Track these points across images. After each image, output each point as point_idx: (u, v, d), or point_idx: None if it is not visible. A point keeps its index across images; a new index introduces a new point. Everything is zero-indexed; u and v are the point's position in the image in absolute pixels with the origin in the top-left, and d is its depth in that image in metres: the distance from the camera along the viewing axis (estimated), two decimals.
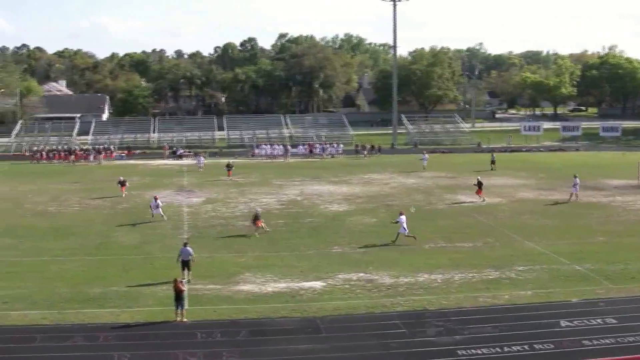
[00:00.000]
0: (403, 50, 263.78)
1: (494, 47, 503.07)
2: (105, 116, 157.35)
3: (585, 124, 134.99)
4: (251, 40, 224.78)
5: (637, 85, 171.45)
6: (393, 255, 40.56)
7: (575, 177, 59.33)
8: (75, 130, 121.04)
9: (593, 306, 30.90)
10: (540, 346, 26.26)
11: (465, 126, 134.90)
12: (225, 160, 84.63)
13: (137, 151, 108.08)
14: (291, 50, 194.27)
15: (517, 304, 31.52)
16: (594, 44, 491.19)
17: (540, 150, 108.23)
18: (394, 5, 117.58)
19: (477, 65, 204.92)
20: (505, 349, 26.06)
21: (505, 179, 72.56)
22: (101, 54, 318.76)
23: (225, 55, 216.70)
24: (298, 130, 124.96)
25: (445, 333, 27.76)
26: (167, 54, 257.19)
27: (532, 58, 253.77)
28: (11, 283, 34.99)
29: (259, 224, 46.35)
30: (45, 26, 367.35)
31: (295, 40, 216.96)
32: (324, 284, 34.86)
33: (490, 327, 28.22)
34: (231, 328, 28.56)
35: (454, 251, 41.63)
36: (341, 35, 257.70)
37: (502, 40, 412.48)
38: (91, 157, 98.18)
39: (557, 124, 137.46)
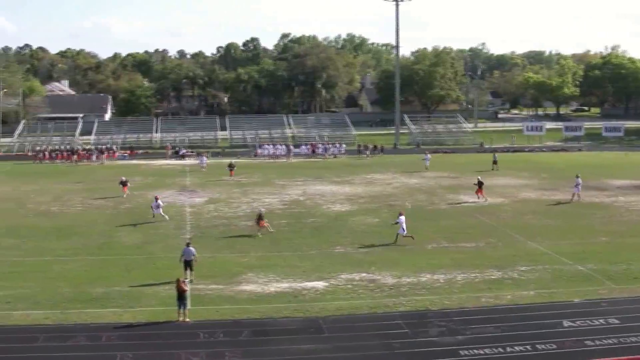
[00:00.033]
0: (406, 51, 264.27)
1: (497, 47, 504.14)
2: (107, 116, 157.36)
3: (587, 124, 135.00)
4: (254, 40, 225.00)
5: None
6: (395, 255, 40.55)
7: (577, 177, 59.30)
8: (78, 130, 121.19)
9: (595, 306, 30.87)
10: (543, 346, 26.24)
11: (468, 126, 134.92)
12: (227, 160, 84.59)
13: (140, 151, 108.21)
14: (294, 50, 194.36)
15: (519, 304, 31.49)
16: (596, 44, 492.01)
17: (543, 151, 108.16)
18: (397, 5, 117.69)
19: (479, 65, 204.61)
20: (508, 349, 26.05)
21: (508, 179, 72.53)
22: (104, 54, 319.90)
23: (228, 55, 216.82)
24: (300, 130, 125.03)
25: (447, 333, 27.75)
26: (169, 54, 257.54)
27: (535, 58, 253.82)
28: (14, 283, 35.01)
29: (263, 224, 46.34)
30: (48, 26, 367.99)
31: (298, 40, 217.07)
32: (327, 284, 34.86)
33: (492, 327, 28.20)
34: (233, 328, 28.55)
35: (456, 251, 41.61)
36: (344, 35, 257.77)
37: (504, 41, 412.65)
38: (94, 157, 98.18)
39: (559, 124, 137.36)
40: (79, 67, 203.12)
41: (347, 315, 30.05)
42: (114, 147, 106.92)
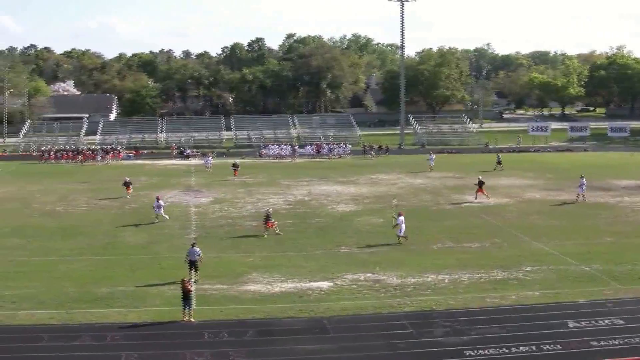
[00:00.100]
0: (411, 51, 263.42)
1: (502, 48, 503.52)
2: (113, 116, 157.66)
3: (593, 125, 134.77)
4: (259, 40, 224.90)
5: None
6: (400, 255, 40.54)
7: (581, 177, 59.21)
8: (83, 130, 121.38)
9: (601, 307, 30.83)
10: (548, 347, 26.21)
11: (473, 126, 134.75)
12: (232, 161, 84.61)
13: (145, 151, 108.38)
14: (299, 50, 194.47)
15: (524, 304, 31.46)
16: (596, 45, 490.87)
17: (548, 151, 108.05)
18: (402, 6, 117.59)
19: (484, 66, 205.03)
20: (513, 349, 26.02)
21: (513, 180, 72.46)
22: (109, 54, 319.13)
23: (233, 56, 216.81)
24: (305, 131, 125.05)
25: (452, 333, 27.73)
26: (174, 54, 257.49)
27: (540, 58, 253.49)
28: (19, 283, 35.07)
29: (270, 225, 46.26)
30: (53, 26, 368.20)
31: (303, 41, 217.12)
32: (332, 284, 34.85)
33: (497, 328, 28.18)
34: (238, 328, 28.57)
35: (461, 251, 41.58)
36: (349, 36, 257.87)
37: (510, 41, 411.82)
38: (99, 157, 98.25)
39: (564, 125, 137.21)
40: (84, 67, 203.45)
41: (352, 316, 30.05)
42: (119, 147, 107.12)
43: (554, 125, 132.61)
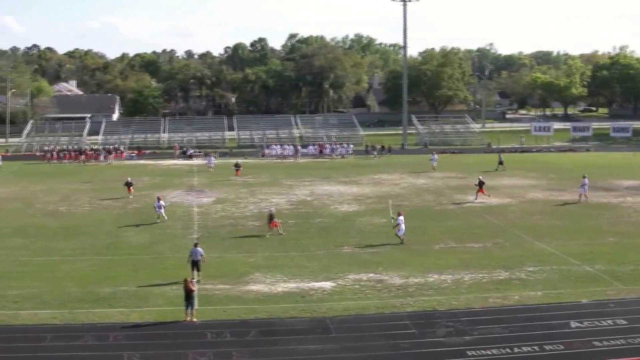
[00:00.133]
0: (413, 51, 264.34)
1: (505, 48, 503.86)
2: (115, 116, 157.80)
3: (595, 125, 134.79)
4: (261, 40, 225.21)
5: None
6: (403, 255, 40.52)
7: (583, 177, 59.18)
8: (86, 131, 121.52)
9: (603, 307, 30.78)
10: (551, 347, 26.19)
11: (476, 126, 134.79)
12: (235, 161, 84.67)
13: (148, 151, 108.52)
14: (301, 50, 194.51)
15: (527, 304, 31.43)
16: (601, 45, 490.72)
17: (551, 151, 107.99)
18: (404, 6, 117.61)
19: (487, 66, 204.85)
20: (515, 349, 26.00)
21: (516, 180, 72.44)
22: (111, 54, 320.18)
23: (236, 56, 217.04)
24: (308, 131, 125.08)
25: (455, 334, 27.71)
26: (177, 55, 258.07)
27: (543, 58, 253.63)
28: (22, 282, 35.08)
29: (273, 225, 46.20)
30: (56, 27, 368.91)
31: (306, 41, 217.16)
32: (334, 284, 34.84)
33: (500, 328, 28.15)
34: (241, 328, 28.56)
35: (464, 252, 41.56)
36: (351, 36, 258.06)
37: (512, 41, 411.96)
38: (101, 157, 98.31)
39: (567, 125, 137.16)
40: (87, 67, 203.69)
41: (355, 316, 30.03)
42: (122, 147, 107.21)
43: (557, 125, 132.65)
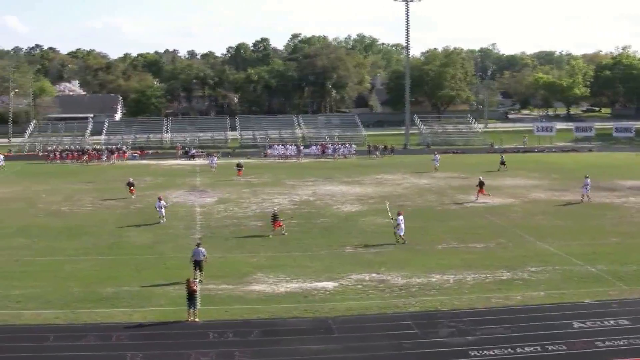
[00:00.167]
0: (416, 51, 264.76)
1: (507, 48, 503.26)
2: (118, 116, 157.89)
3: (598, 125, 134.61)
4: (264, 40, 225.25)
5: None
6: (405, 255, 40.52)
7: (586, 177, 59.15)
8: (88, 131, 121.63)
9: (606, 307, 30.77)
10: (553, 347, 26.18)
11: (478, 127, 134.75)
12: (236, 161, 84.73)
13: (150, 151, 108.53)
14: (304, 50, 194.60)
15: (529, 304, 31.42)
16: (604, 45, 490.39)
17: (553, 151, 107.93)
18: (407, 6, 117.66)
19: (490, 66, 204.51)
20: (518, 349, 26.00)
21: (518, 180, 72.41)
22: (114, 54, 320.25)
23: (238, 56, 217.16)
24: (310, 131, 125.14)
25: (457, 334, 27.71)
26: (179, 55, 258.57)
27: (545, 58, 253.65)
28: (24, 282, 35.12)
29: (277, 225, 46.15)
30: (59, 27, 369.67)
31: (308, 41, 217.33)
32: (336, 284, 34.84)
33: (502, 328, 28.16)
34: (243, 328, 28.58)
35: (466, 252, 41.55)
36: (354, 36, 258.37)
37: (515, 41, 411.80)
38: (104, 157, 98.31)
39: (570, 125, 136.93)
40: (90, 67, 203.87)
41: (357, 316, 30.05)
42: (124, 147, 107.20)
43: (559, 125, 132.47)
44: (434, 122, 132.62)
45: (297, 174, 79.20)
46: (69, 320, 29.46)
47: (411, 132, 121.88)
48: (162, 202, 51.51)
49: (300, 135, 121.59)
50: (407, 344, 26.86)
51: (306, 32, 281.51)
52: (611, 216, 52.54)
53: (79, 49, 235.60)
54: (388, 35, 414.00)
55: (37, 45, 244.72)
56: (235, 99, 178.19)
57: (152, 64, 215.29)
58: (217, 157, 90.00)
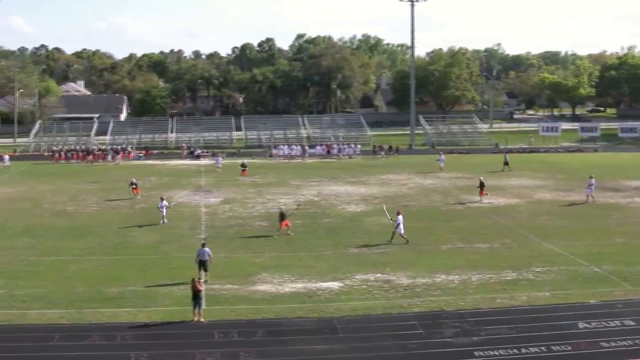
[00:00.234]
0: (421, 51, 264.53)
1: (512, 48, 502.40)
2: (123, 116, 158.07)
3: (603, 125, 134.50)
4: (269, 40, 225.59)
5: None
6: (410, 256, 40.49)
7: (590, 177, 59.06)
8: (94, 131, 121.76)
9: (611, 308, 30.71)
10: (558, 348, 26.15)
11: (483, 127, 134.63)
12: (241, 161, 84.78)
13: (155, 151, 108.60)
14: (309, 50, 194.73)
15: (534, 305, 31.37)
16: (609, 45, 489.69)
17: (559, 151, 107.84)
18: (412, 6, 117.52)
19: (495, 66, 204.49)
20: (523, 350, 25.96)
21: (523, 180, 72.33)
22: (119, 54, 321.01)
23: (243, 56, 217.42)
24: (316, 131, 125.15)
25: (462, 334, 27.68)
26: (185, 55, 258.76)
27: (551, 59, 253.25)
28: (30, 282, 35.16)
29: (284, 225, 46.12)
30: (64, 27, 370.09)
31: (313, 41, 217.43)
32: (341, 284, 34.83)
33: (507, 329, 28.12)
34: (248, 328, 28.58)
35: (471, 252, 41.51)
36: (359, 36, 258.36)
37: (520, 41, 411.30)
38: (109, 157, 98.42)
39: (575, 125, 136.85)
40: (95, 67, 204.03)
41: (362, 316, 30.03)
42: (130, 148, 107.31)
43: (565, 125, 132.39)
44: (439, 122, 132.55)
45: (302, 174, 79.22)
46: (74, 320, 29.48)
47: (416, 132, 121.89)
48: (164, 202, 51.41)
49: (305, 135, 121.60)
50: (412, 344, 26.85)
51: (311, 32, 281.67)
52: (616, 216, 52.46)
53: (84, 49, 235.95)
54: (393, 35, 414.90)
55: (43, 46, 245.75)
56: (241, 99, 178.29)
57: (157, 64, 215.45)
58: (222, 157, 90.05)
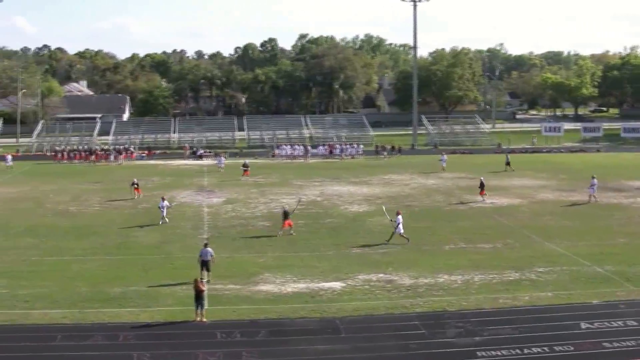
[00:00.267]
0: (423, 51, 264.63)
1: (515, 48, 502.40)
2: (125, 116, 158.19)
3: (606, 125, 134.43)
4: (271, 40, 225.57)
5: None
6: (413, 256, 40.47)
7: (592, 177, 59.02)
8: (96, 131, 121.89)
9: (614, 308, 30.68)
10: (560, 348, 26.13)
11: (486, 127, 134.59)
12: (243, 161, 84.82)
13: (158, 151, 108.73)
14: (311, 50, 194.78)
15: (537, 305, 31.34)
16: (612, 45, 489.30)
17: (561, 151, 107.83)
18: (415, 6, 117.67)
19: (497, 66, 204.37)
20: (525, 350, 25.94)
21: (526, 180, 72.30)
22: (122, 54, 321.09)
23: (246, 56, 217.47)
24: (318, 131, 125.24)
25: (464, 334, 27.66)
26: (187, 55, 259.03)
27: (553, 59, 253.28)
28: (32, 282, 35.17)
29: (287, 224, 46.08)
30: (67, 27, 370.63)
31: (316, 41, 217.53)
32: (344, 284, 34.81)
33: (510, 329, 28.10)
34: (250, 328, 28.57)
35: (474, 252, 41.48)
36: (361, 36, 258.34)
37: (523, 41, 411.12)
38: (112, 157, 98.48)
39: (578, 125, 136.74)
40: (97, 67, 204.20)
41: (364, 316, 30.01)
42: (132, 148, 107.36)
43: (567, 125, 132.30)
44: (441, 122, 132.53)
45: (305, 174, 79.22)
46: (77, 320, 29.48)
47: (419, 132, 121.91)
48: (165, 202, 51.36)
49: (307, 135, 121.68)
50: (414, 344, 26.83)
51: (314, 33, 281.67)
52: (619, 217, 52.41)
53: (87, 49, 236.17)
54: (396, 35, 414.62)
55: (45, 46, 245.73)
56: (243, 99, 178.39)
57: (159, 64, 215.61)
58: (225, 157, 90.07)
